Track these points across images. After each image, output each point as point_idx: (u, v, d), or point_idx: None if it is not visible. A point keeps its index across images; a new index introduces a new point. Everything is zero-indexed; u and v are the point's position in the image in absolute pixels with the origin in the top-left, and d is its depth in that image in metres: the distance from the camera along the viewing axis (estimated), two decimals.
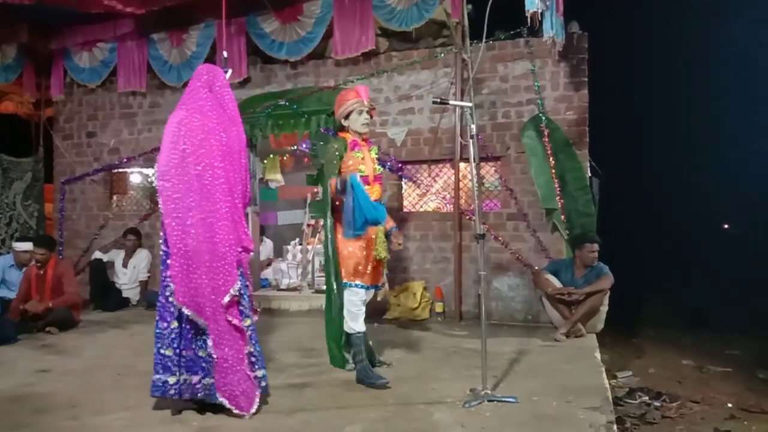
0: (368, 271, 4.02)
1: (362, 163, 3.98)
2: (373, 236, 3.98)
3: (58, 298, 5.72)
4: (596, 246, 5.34)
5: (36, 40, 7.59)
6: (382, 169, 4.19)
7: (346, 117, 4.03)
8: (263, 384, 3.41)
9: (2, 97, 8.51)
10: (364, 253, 3.99)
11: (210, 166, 3.31)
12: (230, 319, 3.23)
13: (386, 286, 4.21)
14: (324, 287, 6.98)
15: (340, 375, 4.04)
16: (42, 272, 5.77)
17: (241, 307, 3.34)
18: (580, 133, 6.01)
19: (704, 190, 15.53)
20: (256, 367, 3.38)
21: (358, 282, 3.98)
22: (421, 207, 6.68)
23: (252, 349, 3.38)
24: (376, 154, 4.18)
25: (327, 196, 4.04)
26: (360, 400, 3.51)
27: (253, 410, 3.24)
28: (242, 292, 3.35)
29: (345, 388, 3.77)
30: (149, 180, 7.84)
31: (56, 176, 8.08)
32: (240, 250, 3.37)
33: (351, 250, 3.97)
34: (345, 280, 3.99)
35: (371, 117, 4.13)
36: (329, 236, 4.05)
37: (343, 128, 4.10)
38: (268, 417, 3.26)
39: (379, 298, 4.24)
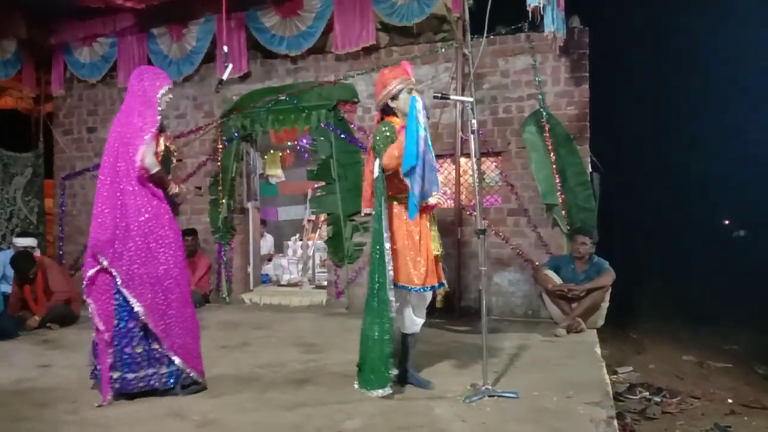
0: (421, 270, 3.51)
1: None
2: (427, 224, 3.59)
3: (48, 301, 5.75)
4: (587, 239, 5.35)
5: (35, 35, 7.56)
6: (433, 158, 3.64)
7: (393, 98, 3.53)
8: (116, 385, 3.42)
9: (2, 93, 8.47)
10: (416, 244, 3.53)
11: (102, 167, 3.54)
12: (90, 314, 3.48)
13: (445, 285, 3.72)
14: (324, 283, 7.07)
15: (340, 370, 4.04)
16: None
17: (116, 305, 3.45)
18: (581, 128, 6.00)
19: (704, 185, 15.52)
20: (118, 365, 3.42)
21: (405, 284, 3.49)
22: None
23: (113, 350, 3.43)
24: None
25: (380, 182, 3.47)
26: (360, 395, 3.50)
27: (103, 403, 3.38)
28: (112, 290, 3.44)
29: (345, 382, 3.77)
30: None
31: (56, 171, 8.07)
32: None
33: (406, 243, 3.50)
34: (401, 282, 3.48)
35: None
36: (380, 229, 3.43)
37: (387, 111, 3.59)
38: (269, 412, 3.27)
39: (438, 298, 3.84)
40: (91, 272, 3.46)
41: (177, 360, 3.49)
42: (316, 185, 6.99)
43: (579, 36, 6.00)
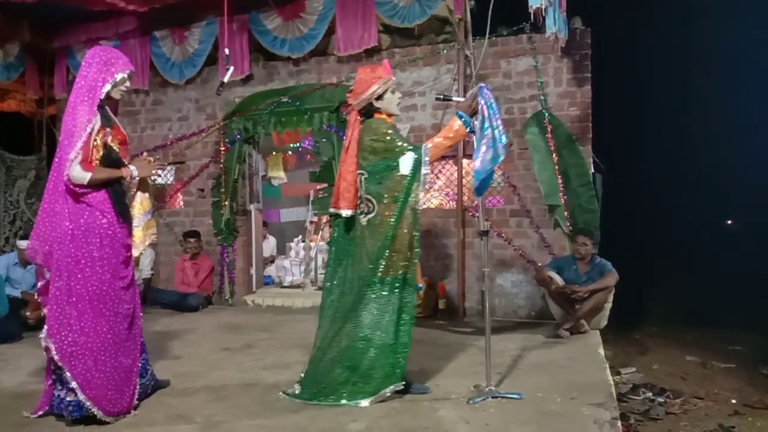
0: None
1: None
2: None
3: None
4: (587, 239, 5.34)
5: (38, 39, 7.59)
6: None
7: (379, 98, 3.45)
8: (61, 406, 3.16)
9: (5, 96, 8.52)
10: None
11: (51, 170, 3.36)
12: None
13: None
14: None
15: None
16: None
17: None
18: (584, 129, 6.00)
19: (710, 186, 15.50)
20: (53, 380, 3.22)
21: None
22: (424, 204, 6.66)
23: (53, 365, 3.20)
24: None
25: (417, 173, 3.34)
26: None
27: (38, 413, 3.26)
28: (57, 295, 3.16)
29: None
30: (152, 177, 7.85)
31: None
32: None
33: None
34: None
35: None
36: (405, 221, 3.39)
37: (370, 111, 3.49)
38: (274, 413, 3.28)
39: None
40: (40, 284, 3.33)
41: (78, 391, 3.08)
42: (318, 187, 7.00)
43: (581, 37, 6.00)
